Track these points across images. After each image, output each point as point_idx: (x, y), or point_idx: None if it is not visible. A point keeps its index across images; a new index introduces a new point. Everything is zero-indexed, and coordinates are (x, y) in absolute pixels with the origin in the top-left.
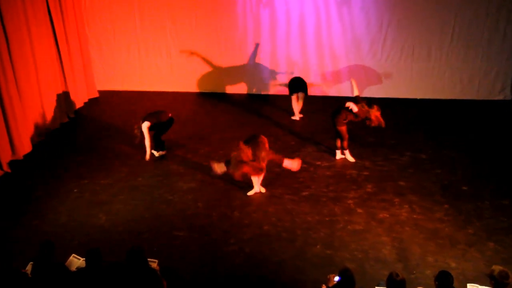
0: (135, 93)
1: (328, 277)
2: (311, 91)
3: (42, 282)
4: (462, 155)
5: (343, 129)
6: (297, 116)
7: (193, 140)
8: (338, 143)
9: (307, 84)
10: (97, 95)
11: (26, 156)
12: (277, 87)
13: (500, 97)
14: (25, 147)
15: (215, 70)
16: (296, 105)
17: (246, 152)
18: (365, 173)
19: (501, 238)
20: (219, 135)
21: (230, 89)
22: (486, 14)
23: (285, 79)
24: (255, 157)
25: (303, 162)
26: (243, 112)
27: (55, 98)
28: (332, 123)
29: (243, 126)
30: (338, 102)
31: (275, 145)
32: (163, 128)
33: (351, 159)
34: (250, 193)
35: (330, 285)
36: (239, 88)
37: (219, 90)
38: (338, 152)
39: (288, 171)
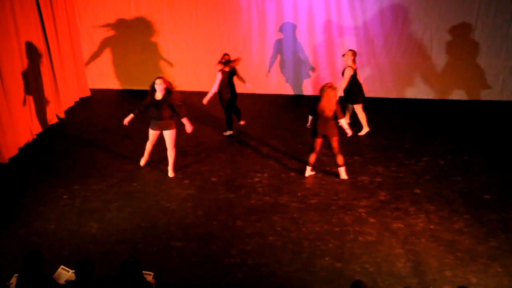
0: (130, 92)
1: None
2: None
3: None
4: (484, 161)
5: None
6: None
7: (192, 143)
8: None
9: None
10: (89, 94)
11: (12, 159)
12: (283, 87)
13: None
14: (10, 150)
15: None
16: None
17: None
18: (378, 179)
19: None
20: (220, 137)
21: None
22: None
23: (292, 78)
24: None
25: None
26: (246, 113)
27: (43, 97)
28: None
29: (246, 127)
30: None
31: (282, 148)
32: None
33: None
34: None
35: None
36: (242, 87)
37: None
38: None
39: (294, 177)
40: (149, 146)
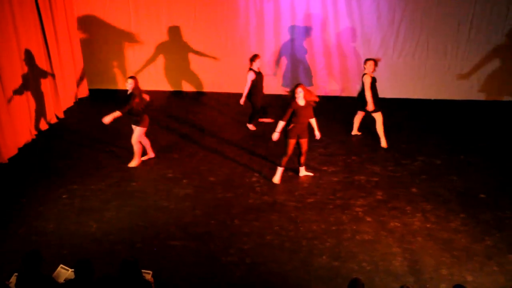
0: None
1: None
2: (318, 91)
3: None
4: (480, 160)
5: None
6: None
7: (191, 143)
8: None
9: None
10: (87, 94)
11: (11, 159)
12: (281, 87)
13: None
14: (10, 150)
15: (215, 68)
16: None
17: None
18: (375, 179)
19: None
20: (218, 137)
21: (231, 89)
22: (507, 7)
23: (289, 78)
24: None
25: (308, 167)
26: (243, 113)
27: (42, 97)
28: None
29: (243, 127)
30: (346, 102)
31: (279, 148)
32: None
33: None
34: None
35: None
36: (239, 88)
37: (219, 90)
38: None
39: (291, 177)
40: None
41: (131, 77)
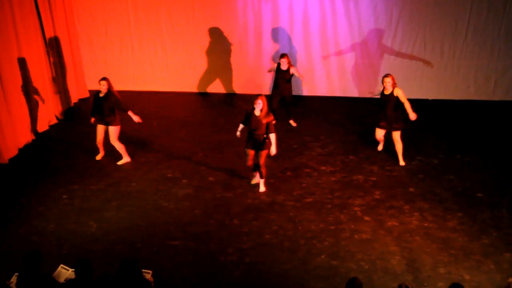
0: (128, 93)
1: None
2: (315, 91)
3: None
4: (476, 159)
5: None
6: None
7: (190, 143)
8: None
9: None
10: (87, 95)
11: (11, 160)
12: None
13: None
14: (10, 150)
15: (214, 69)
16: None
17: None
18: (373, 178)
19: None
20: (217, 137)
21: (229, 89)
22: (504, 7)
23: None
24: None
25: (307, 166)
26: (242, 113)
27: (43, 98)
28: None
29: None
30: (344, 102)
31: (278, 148)
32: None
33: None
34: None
35: None
36: (238, 88)
37: (217, 90)
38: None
39: (290, 176)
40: (98, 139)
41: (104, 79)
